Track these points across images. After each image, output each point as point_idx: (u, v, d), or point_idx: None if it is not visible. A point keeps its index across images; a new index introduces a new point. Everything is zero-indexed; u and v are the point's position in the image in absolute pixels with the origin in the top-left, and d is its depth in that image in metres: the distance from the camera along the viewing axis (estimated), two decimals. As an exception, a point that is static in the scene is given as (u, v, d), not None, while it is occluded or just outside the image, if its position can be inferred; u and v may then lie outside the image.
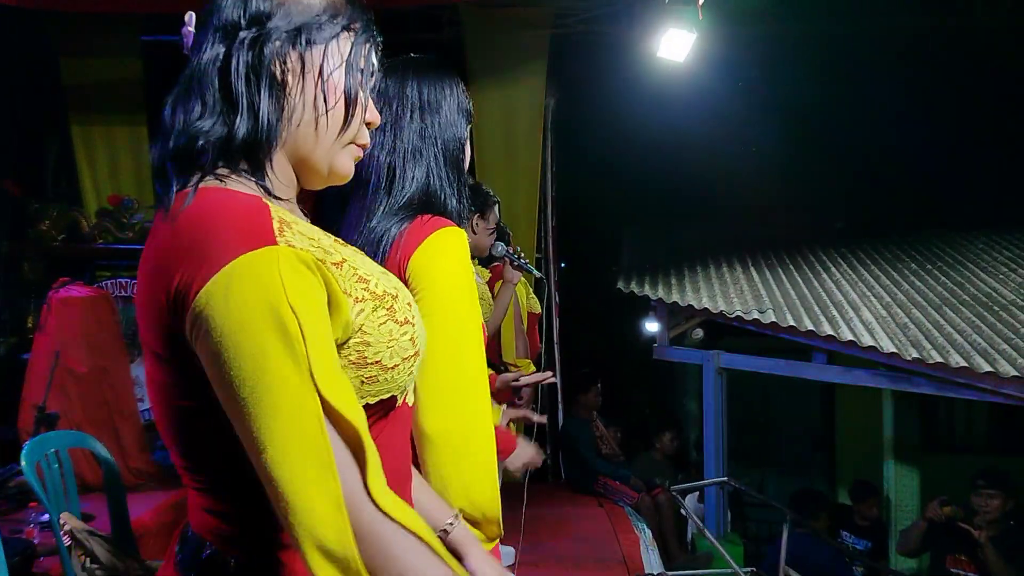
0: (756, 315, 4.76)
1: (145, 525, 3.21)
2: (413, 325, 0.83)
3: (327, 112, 0.83)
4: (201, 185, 0.75)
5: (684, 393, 8.19)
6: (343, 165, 0.88)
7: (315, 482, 0.67)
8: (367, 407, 0.79)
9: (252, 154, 0.80)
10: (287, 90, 0.81)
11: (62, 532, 2.26)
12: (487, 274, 3.36)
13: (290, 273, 0.69)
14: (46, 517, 2.73)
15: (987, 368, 3.78)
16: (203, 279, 0.68)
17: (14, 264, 5.04)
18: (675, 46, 4.49)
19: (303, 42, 0.82)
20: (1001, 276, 5.31)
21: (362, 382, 0.78)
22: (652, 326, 5.68)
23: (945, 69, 6.60)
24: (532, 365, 3.32)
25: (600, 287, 6.39)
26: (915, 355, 4.03)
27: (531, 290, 3.79)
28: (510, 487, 3.56)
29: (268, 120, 0.79)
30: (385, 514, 0.72)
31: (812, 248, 6.28)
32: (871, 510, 5.17)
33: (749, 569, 3.48)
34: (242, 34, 0.80)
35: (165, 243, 0.73)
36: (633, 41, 5.16)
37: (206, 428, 0.74)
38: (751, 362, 5.22)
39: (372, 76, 0.89)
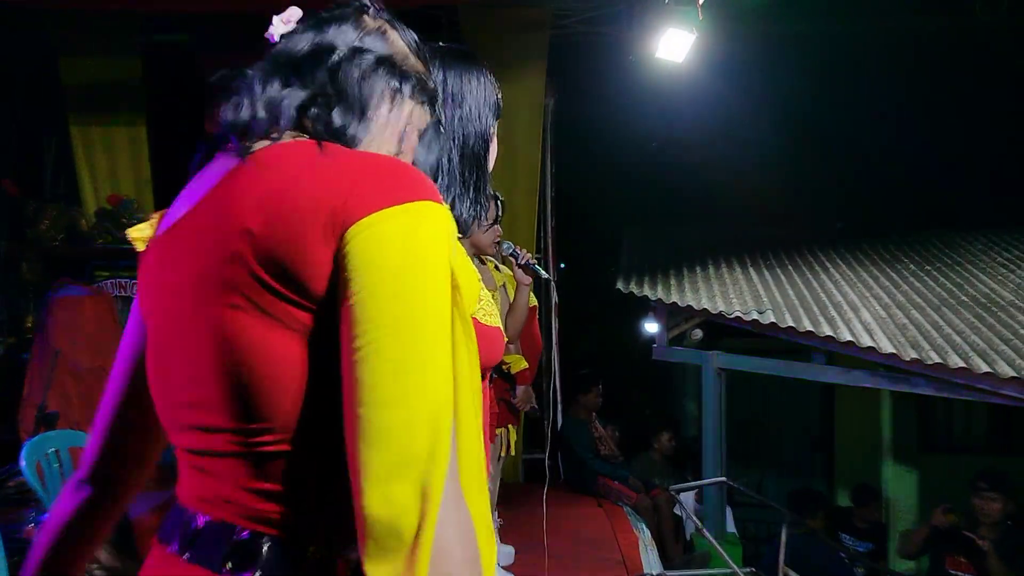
0: (755, 315, 4.76)
1: (145, 524, 3.21)
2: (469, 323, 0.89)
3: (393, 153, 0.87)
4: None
5: (683, 394, 8.20)
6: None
7: (431, 452, 0.65)
8: None
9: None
10: (376, 113, 0.85)
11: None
12: (501, 277, 3.30)
13: (452, 235, 0.73)
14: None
15: (986, 369, 3.79)
16: (383, 202, 0.68)
17: (13, 264, 5.04)
18: (675, 46, 4.50)
19: (402, 90, 0.87)
20: (1000, 277, 5.32)
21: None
22: (651, 326, 5.68)
23: (945, 69, 6.60)
24: (523, 361, 3.26)
25: (599, 287, 6.40)
26: (914, 356, 4.04)
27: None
28: (510, 487, 3.56)
29: (364, 115, 0.83)
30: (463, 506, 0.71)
31: (811, 249, 6.29)
32: (872, 514, 5.18)
33: (748, 569, 3.48)
34: (358, 43, 0.85)
35: (320, 172, 0.71)
36: (632, 41, 5.17)
37: (294, 384, 0.70)
38: (750, 362, 5.22)
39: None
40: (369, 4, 0.91)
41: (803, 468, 7.48)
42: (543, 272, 2.89)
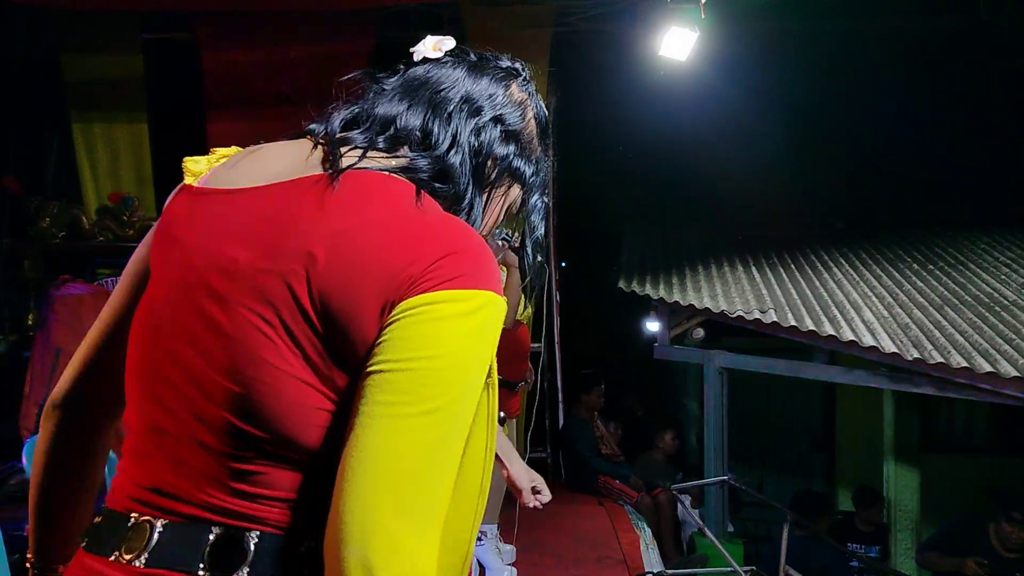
0: (757, 315, 4.75)
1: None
2: None
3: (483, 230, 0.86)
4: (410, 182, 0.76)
5: (685, 393, 8.19)
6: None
7: (422, 537, 0.63)
8: None
9: (441, 187, 0.80)
10: (490, 185, 0.85)
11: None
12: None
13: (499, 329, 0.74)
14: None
15: (988, 368, 3.78)
16: (453, 284, 0.68)
17: (14, 261, 5.04)
18: (677, 44, 4.49)
19: (521, 173, 0.87)
20: (1003, 277, 5.31)
21: None
22: (653, 325, 5.67)
23: (947, 68, 6.59)
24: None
25: (601, 286, 6.39)
26: (916, 355, 4.03)
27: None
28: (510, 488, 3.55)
29: (476, 183, 0.82)
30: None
31: (814, 248, 6.28)
32: (875, 516, 5.17)
33: (749, 568, 3.48)
34: (501, 110, 0.84)
35: (405, 227, 0.70)
36: (635, 39, 5.15)
37: (299, 409, 0.69)
38: (752, 362, 5.22)
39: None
40: (523, 71, 0.92)
41: (804, 468, 7.47)
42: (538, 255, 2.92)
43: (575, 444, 5.07)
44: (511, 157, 0.85)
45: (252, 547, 0.69)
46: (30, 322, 4.80)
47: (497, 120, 0.84)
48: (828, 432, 7.36)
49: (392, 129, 0.80)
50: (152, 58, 5.25)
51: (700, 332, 5.40)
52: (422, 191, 0.74)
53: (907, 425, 6.23)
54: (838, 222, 7.25)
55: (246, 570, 0.68)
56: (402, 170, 0.77)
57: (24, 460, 2.29)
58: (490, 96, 0.84)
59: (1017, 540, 4.19)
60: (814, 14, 5.80)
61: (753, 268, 5.82)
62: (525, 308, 3.43)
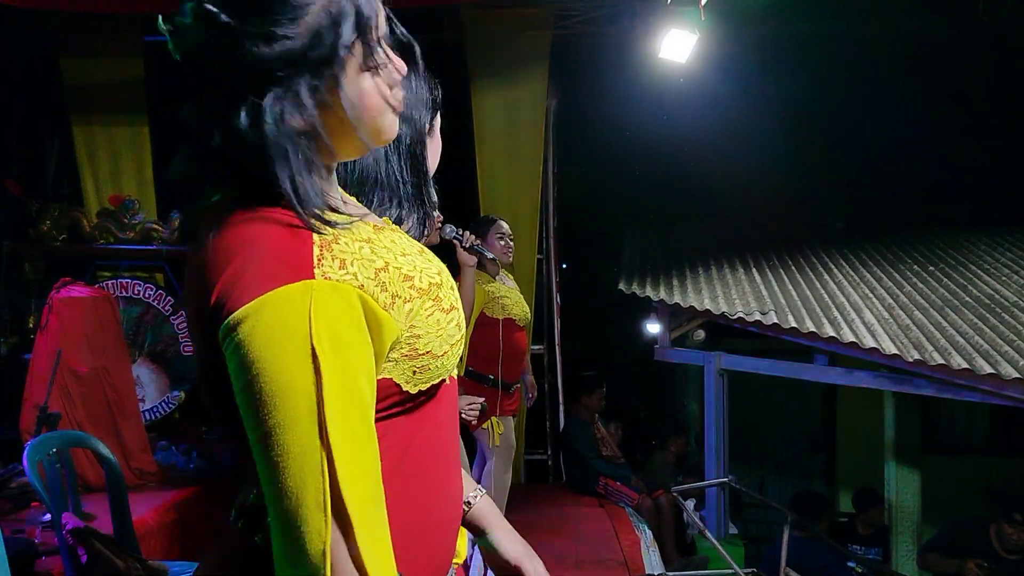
0: (758, 316, 4.75)
1: (147, 525, 3.21)
2: (458, 310, 0.86)
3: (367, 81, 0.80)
4: (248, 198, 0.77)
5: (685, 394, 8.19)
6: (391, 127, 0.86)
7: (306, 529, 0.68)
8: (420, 392, 0.82)
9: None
10: (331, 90, 0.78)
11: (64, 532, 2.26)
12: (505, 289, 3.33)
13: (321, 311, 0.70)
14: (48, 517, 2.73)
15: (989, 370, 3.78)
16: (236, 303, 0.70)
17: (15, 264, 5.05)
18: (677, 47, 4.50)
19: (335, 64, 0.78)
20: (1003, 278, 5.31)
21: (414, 372, 0.81)
22: (653, 327, 5.68)
23: (947, 69, 6.59)
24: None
25: (601, 288, 6.40)
26: (917, 357, 4.03)
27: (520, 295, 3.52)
28: (512, 487, 3.55)
29: (316, 116, 0.77)
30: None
31: (814, 249, 6.28)
32: (875, 517, 5.16)
33: (750, 570, 3.48)
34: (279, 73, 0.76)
35: (211, 252, 0.75)
36: (635, 42, 5.16)
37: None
38: (752, 363, 5.22)
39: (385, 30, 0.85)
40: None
41: (805, 469, 7.47)
42: (488, 252, 2.92)
43: (575, 445, 5.07)
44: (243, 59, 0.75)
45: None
46: (31, 324, 4.81)
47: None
48: (828, 433, 7.36)
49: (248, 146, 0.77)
50: (153, 61, 5.26)
51: (700, 334, 5.41)
52: (233, 207, 0.77)
53: (908, 426, 6.22)
54: (838, 223, 7.25)
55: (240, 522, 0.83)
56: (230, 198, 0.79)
57: (25, 463, 2.29)
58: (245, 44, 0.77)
59: (1018, 541, 4.18)
60: (813, 16, 5.80)
61: (753, 269, 5.82)
62: (519, 308, 3.43)
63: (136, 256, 5.10)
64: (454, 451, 0.93)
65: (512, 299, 3.35)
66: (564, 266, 6.32)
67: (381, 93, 0.83)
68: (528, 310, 3.48)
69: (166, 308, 4.82)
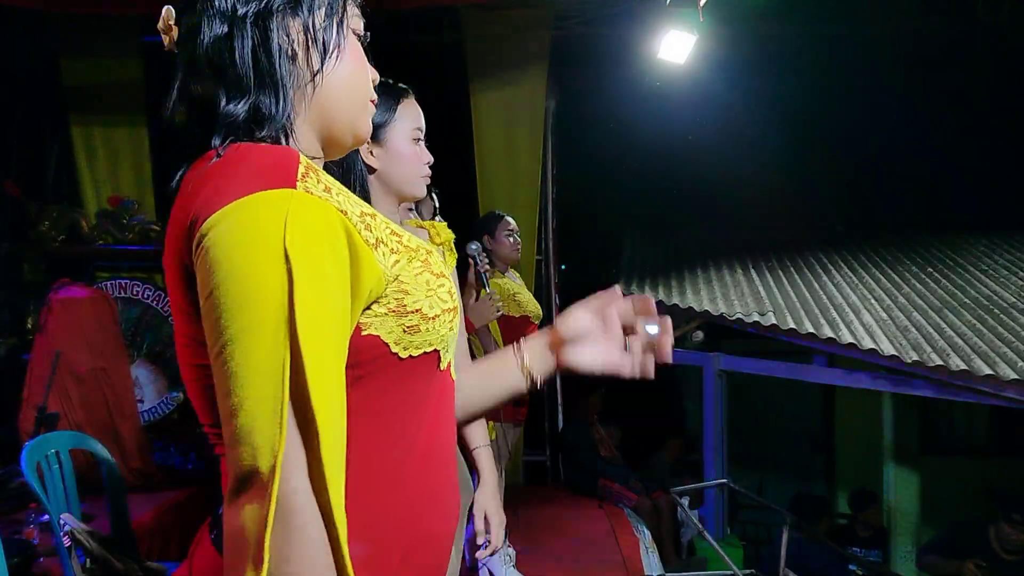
0: (756, 318, 4.76)
1: (145, 526, 3.21)
2: (448, 279, 0.83)
3: (336, 73, 0.83)
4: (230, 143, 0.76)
5: (684, 395, 8.19)
6: (365, 126, 0.89)
7: (258, 442, 0.63)
8: (411, 359, 0.78)
9: (275, 123, 0.79)
10: (298, 60, 0.81)
11: (62, 533, 2.26)
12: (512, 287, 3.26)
13: (298, 218, 0.67)
14: (46, 518, 2.73)
15: (987, 371, 3.78)
16: (214, 207, 0.67)
17: (14, 265, 5.04)
18: (676, 48, 4.50)
19: (305, 10, 0.81)
20: (1002, 279, 5.31)
21: (404, 330, 0.77)
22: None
23: (946, 70, 6.59)
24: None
25: (600, 289, 6.38)
26: (915, 358, 4.03)
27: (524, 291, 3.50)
28: (512, 488, 3.54)
29: (287, 94, 0.79)
30: (316, 499, 0.65)
31: (813, 251, 6.28)
32: (873, 517, 5.17)
33: (748, 571, 3.48)
34: (242, 10, 0.79)
35: (192, 188, 0.73)
36: (634, 43, 5.16)
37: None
38: (751, 364, 5.22)
39: (365, 34, 0.91)
40: None
41: (803, 470, 7.47)
42: (486, 287, 2.82)
43: (575, 447, 5.07)
44: (265, 13, 0.80)
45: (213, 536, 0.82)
46: (29, 325, 4.80)
47: (230, 7, 0.79)
48: (827, 434, 7.36)
49: (219, 122, 0.79)
50: (152, 62, 5.26)
51: (699, 335, 5.41)
52: (231, 145, 0.76)
53: (907, 427, 6.22)
54: (837, 224, 7.26)
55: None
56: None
57: (23, 464, 2.29)
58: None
59: (1017, 542, 4.19)
60: (812, 17, 5.80)
61: (752, 271, 5.82)
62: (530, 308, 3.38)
63: (135, 257, 5.09)
64: (452, 459, 0.87)
65: (525, 295, 3.29)
66: (563, 267, 6.32)
67: (365, 65, 0.88)
68: (539, 306, 3.41)
69: (165, 309, 4.82)
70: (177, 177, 0.78)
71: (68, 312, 3.84)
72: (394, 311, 0.76)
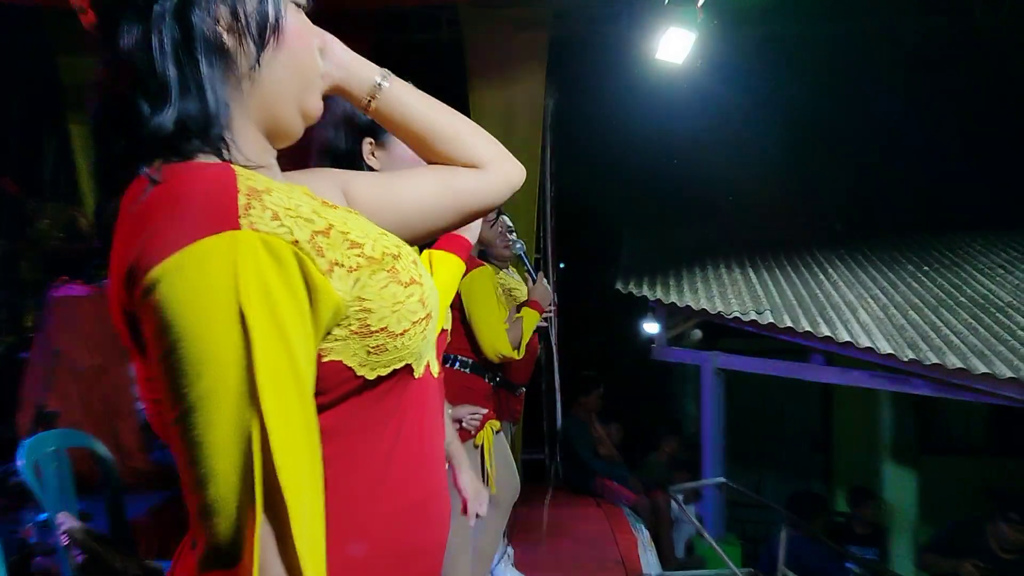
0: (754, 316, 4.76)
1: (143, 524, 3.21)
2: (421, 285, 0.76)
3: (275, 57, 0.76)
4: (164, 164, 0.69)
5: (682, 394, 8.19)
6: (315, 105, 0.82)
7: (234, 522, 0.60)
8: (379, 379, 0.73)
9: (208, 132, 0.71)
10: (228, 52, 0.74)
11: (60, 531, 2.26)
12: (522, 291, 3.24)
13: (248, 267, 0.62)
14: (44, 516, 2.73)
15: (984, 370, 3.79)
16: (154, 258, 0.61)
17: (12, 263, 5.04)
18: (674, 47, 4.50)
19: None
20: (998, 278, 5.32)
21: (368, 352, 0.71)
22: (650, 326, 5.68)
23: (944, 70, 6.60)
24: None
25: (599, 287, 6.39)
26: (912, 356, 4.04)
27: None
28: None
29: (217, 94, 0.72)
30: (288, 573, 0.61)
31: (810, 249, 6.29)
32: (871, 515, 5.18)
33: (747, 570, 3.49)
34: (157, 7, 0.71)
35: (128, 228, 0.66)
36: (632, 42, 5.16)
37: None
38: (749, 363, 5.23)
39: (305, 1, 0.83)
40: None
41: (801, 469, 7.48)
42: (534, 276, 2.87)
43: (573, 446, 5.07)
44: (184, 4, 0.71)
45: None
46: (28, 324, 4.80)
47: (144, 2, 0.71)
48: (825, 433, 7.37)
49: (143, 133, 0.71)
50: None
51: (698, 333, 5.41)
52: (163, 168, 0.68)
53: (904, 426, 6.24)
54: (835, 223, 7.26)
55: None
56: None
57: (21, 462, 2.29)
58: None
59: (1015, 541, 4.20)
60: (811, 16, 5.80)
61: (750, 269, 5.83)
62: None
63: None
64: (438, 465, 0.83)
65: (523, 291, 3.29)
66: (561, 265, 6.33)
67: (309, 40, 0.82)
68: None
69: (163, 307, 4.81)
70: (109, 211, 0.70)
71: (67, 310, 3.83)
72: (357, 332, 0.70)
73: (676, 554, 4.96)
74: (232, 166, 0.70)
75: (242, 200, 0.65)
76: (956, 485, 6.07)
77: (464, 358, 2.59)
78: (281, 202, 0.68)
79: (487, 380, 2.78)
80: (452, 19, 5.35)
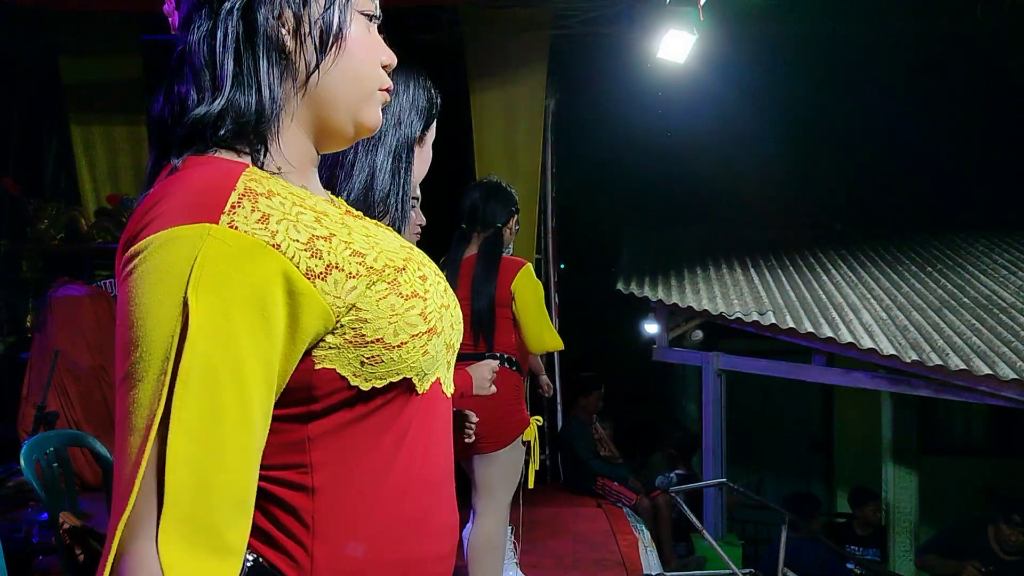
0: (756, 317, 4.76)
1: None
2: (424, 299, 0.75)
3: (336, 65, 0.77)
4: (187, 156, 0.72)
5: (683, 394, 8.19)
6: (371, 117, 0.82)
7: (125, 491, 0.60)
8: (375, 391, 0.72)
9: (256, 127, 0.73)
10: (289, 54, 0.75)
11: (61, 531, 2.26)
12: None
13: (208, 261, 0.62)
14: (45, 516, 2.73)
15: (986, 371, 3.78)
16: (141, 235, 0.65)
17: (13, 263, 5.04)
18: (675, 47, 4.49)
19: None
20: (1001, 279, 5.32)
21: (362, 363, 0.71)
22: (651, 327, 5.68)
23: (945, 70, 6.61)
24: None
25: (600, 288, 6.39)
26: (914, 357, 4.03)
27: None
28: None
29: (272, 92, 0.74)
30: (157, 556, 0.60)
31: (812, 250, 6.29)
32: (871, 515, 5.17)
33: (747, 570, 3.48)
34: (227, 3, 0.73)
35: (138, 209, 0.70)
36: (634, 42, 5.16)
37: None
38: (750, 364, 5.22)
39: (377, 13, 0.84)
40: None
41: (802, 470, 7.47)
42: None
43: (574, 446, 5.07)
44: (252, 3, 0.74)
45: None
46: (28, 324, 4.80)
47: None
48: (826, 434, 7.37)
49: (190, 123, 0.74)
50: (151, 59, 5.25)
51: (699, 334, 5.41)
52: (184, 160, 0.71)
53: (906, 427, 6.23)
54: (837, 224, 7.26)
55: None
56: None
57: (22, 462, 2.29)
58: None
59: (1016, 542, 4.19)
60: (811, 17, 5.81)
61: (752, 270, 5.83)
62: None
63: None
64: (443, 479, 0.82)
65: None
66: (562, 266, 6.32)
67: (373, 52, 0.82)
68: None
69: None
70: (140, 196, 0.73)
71: (67, 310, 3.84)
72: (351, 342, 0.70)
73: (687, 554, 4.96)
74: (249, 167, 0.71)
75: (232, 198, 0.66)
76: (957, 486, 6.07)
77: (511, 356, 2.60)
78: (279, 206, 0.68)
79: (522, 376, 2.79)
80: (453, 19, 5.35)
